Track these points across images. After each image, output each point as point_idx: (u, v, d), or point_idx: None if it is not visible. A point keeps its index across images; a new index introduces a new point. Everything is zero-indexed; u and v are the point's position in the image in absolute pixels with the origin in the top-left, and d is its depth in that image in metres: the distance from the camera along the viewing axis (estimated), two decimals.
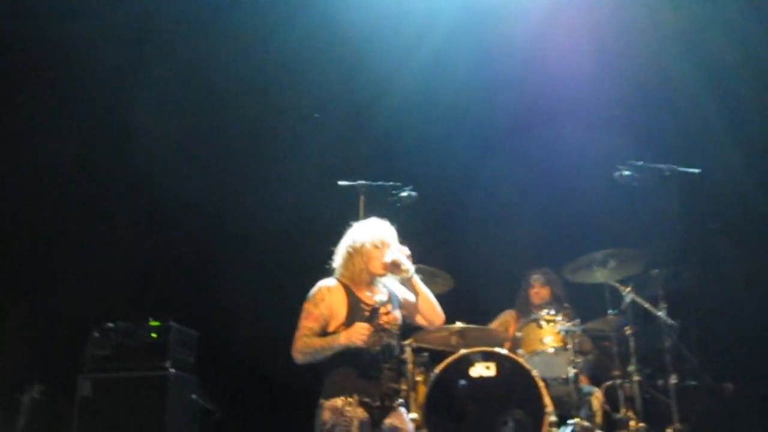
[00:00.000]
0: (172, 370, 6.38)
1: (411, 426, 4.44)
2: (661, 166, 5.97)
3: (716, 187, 6.79)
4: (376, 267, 4.44)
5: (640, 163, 5.97)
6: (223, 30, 7.14)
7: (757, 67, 6.79)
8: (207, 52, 7.24)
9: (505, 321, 6.82)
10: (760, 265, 6.89)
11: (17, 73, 7.15)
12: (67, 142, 7.33)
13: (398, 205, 5.98)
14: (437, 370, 5.82)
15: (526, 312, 6.60)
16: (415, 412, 5.75)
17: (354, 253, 4.46)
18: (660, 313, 6.06)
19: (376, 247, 4.46)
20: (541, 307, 6.59)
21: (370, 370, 4.32)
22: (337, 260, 4.53)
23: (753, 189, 6.96)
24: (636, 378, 5.94)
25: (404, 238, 4.57)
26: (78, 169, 7.43)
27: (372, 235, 4.49)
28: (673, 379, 5.95)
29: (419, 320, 4.66)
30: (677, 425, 5.82)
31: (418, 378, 6.00)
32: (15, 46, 7.02)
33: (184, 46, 7.17)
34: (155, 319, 6.59)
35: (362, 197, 5.83)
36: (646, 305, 6.06)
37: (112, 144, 7.46)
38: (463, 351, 5.89)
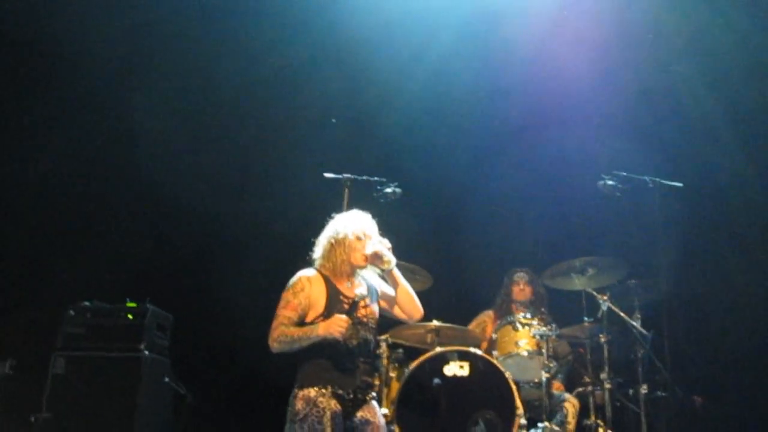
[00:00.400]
0: (147, 353, 6.36)
1: (382, 420, 4.46)
2: (645, 177, 6.02)
3: (702, 197, 6.87)
4: (357, 258, 4.46)
5: (624, 173, 6.02)
6: (227, 35, 7.18)
7: (762, 72, 6.85)
8: (210, 56, 7.27)
9: (482, 322, 6.85)
10: (737, 281, 6.97)
11: (21, 76, 7.19)
12: (53, 128, 7.34)
13: (382, 200, 6.01)
14: (411, 366, 5.85)
15: (505, 312, 6.63)
16: (387, 407, 5.77)
17: (336, 245, 4.47)
18: (635, 323, 6.12)
19: (358, 238, 4.48)
20: (522, 305, 6.63)
21: (345, 363, 4.33)
22: (318, 251, 4.54)
23: (737, 202, 7.04)
24: (607, 386, 6.00)
25: (386, 233, 4.60)
26: (59, 151, 7.40)
27: (354, 226, 4.51)
28: (643, 389, 6.02)
29: (398, 313, 4.68)
30: None
31: (392, 374, 6.03)
32: (18, 51, 7.04)
33: (188, 51, 7.21)
34: (132, 301, 6.56)
35: (347, 190, 5.86)
36: (622, 314, 6.12)
37: (98, 130, 7.44)
38: (438, 349, 5.93)
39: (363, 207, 4.71)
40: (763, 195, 7.01)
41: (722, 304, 6.97)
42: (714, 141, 7.12)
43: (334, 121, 7.29)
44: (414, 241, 6.25)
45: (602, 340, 6.06)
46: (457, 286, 7.27)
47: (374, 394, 4.48)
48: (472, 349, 5.95)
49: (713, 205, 7.13)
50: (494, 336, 6.33)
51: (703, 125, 7.13)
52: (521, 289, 6.79)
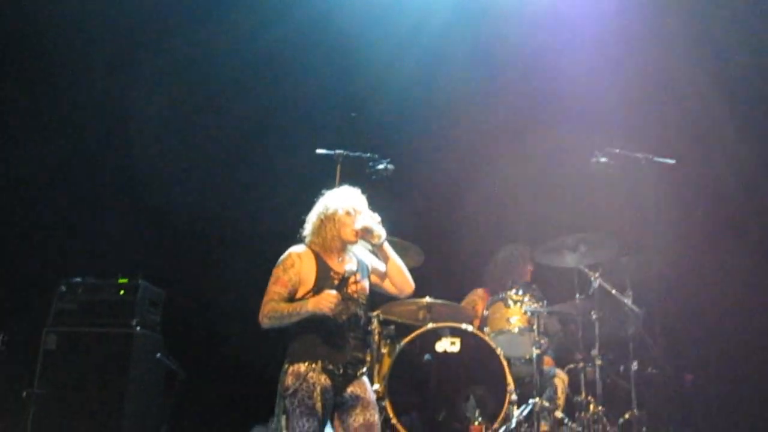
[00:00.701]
0: (138, 329, 6.35)
1: (373, 395, 4.46)
2: (637, 154, 6.01)
3: (695, 174, 6.86)
4: (347, 234, 4.45)
5: (617, 150, 6.00)
6: (219, 15, 7.22)
7: (759, 50, 6.82)
8: (205, 35, 7.26)
9: (472, 300, 6.84)
10: (729, 259, 6.97)
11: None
12: (46, 108, 7.33)
13: (374, 177, 5.99)
14: (403, 342, 5.86)
15: (503, 288, 6.61)
16: (379, 383, 5.79)
17: (326, 220, 4.46)
18: (626, 301, 6.12)
19: (348, 213, 4.47)
20: (509, 284, 6.62)
21: (335, 338, 4.33)
22: (309, 227, 4.53)
23: (730, 181, 7.04)
24: (598, 362, 6.01)
25: (378, 210, 4.59)
26: (53, 131, 7.38)
27: (344, 202, 4.50)
28: (634, 366, 6.03)
29: (389, 288, 4.68)
30: (635, 411, 5.93)
31: (384, 350, 6.03)
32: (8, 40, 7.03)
33: (181, 32, 7.22)
34: (124, 277, 6.55)
35: (339, 167, 5.84)
36: (613, 291, 6.13)
37: (89, 109, 7.41)
38: (430, 325, 5.94)
39: (355, 184, 4.69)
40: (757, 173, 7.01)
41: (714, 281, 6.98)
42: (708, 118, 7.10)
43: (354, 115, 7.25)
44: (406, 218, 6.25)
45: (593, 317, 6.05)
46: (449, 263, 7.27)
47: (365, 369, 4.48)
48: (464, 326, 5.96)
49: (707, 183, 7.12)
50: (486, 313, 6.34)
51: (697, 102, 7.10)
52: (530, 268, 6.78)
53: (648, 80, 7.11)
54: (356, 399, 4.36)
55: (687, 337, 6.82)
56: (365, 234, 4.45)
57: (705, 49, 6.92)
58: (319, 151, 5.91)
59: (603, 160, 6.01)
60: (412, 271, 4.72)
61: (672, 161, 6.09)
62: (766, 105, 6.91)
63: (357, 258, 4.55)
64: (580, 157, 6.25)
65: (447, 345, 5.85)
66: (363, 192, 4.61)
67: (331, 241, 4.44)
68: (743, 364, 6.80)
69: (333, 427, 4.42)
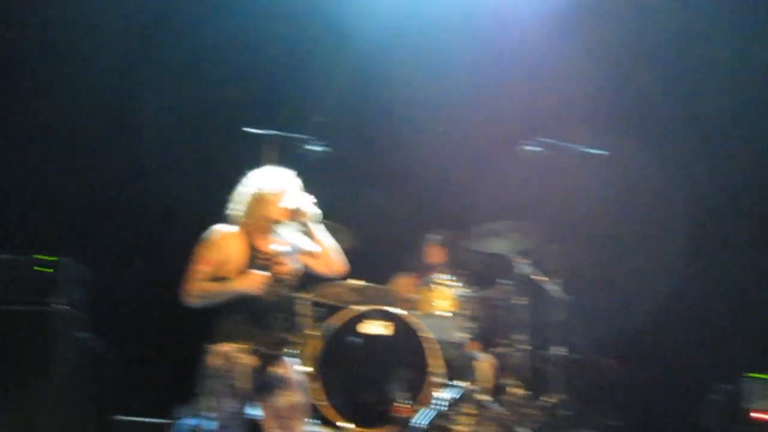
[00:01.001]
0: (61, 306, 6.19)
1: (299, 376, 4.47)
2: (567, 144, 6.08)
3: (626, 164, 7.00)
4: (276, 213, 4.42)
5: (546, 140, 6.06)
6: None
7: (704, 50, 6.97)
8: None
9: (401, 283, 6.88)
10: (657, 248, 7.14)
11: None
12: None
13: (309, 158, 5.92)
14: (333, 325, 5.88)
15: (424, 274, 6.69)
16: (308, 365, 5.78)
17: (253, 200, 4.43)
18: (554, 287, 6.24)
19: (276, 193, 4.44)
20: (436, 269, 6.69)
21: (261, 319, 4.32)
22: (235, 207, 4.48)
23: (662, 171, 7.20)
24: (525, 347, 6.12)
25: (310, 191, 4.56)
26: None
27: (272, 181, 4.47)
28: (559, 352, 6.16)
29: (320, 268, 4.68)
30: (558, 395, 6.05)
31: (314, 332, 6.02)
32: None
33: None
34: (47, 253, 6.36)
35: (270, 147, 5.75)
36: (541, 278, 6.23)
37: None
38: (358, 308, 5.97)
39: (288, 165, 4.65)
40: (691, 165, 7.17)
41: (640, 270, 7.14)
42: (645, 111, 7.24)
43: (320, 119, 7.16)
44: (340, 201, 6.22)
45: (521, 302, 6.15)
46: (380, 247, 7.26)
47: (292, 350, 4.47)
48: (393, 309, 6.00)
49: (639, 174, 7.25)
50: (415, 296, 6.39)
51: (633, 95, 7.24)
52: (431, 252, 6.86)
53: (581, 69, 7.18)
54: (281, 380, 4.35)
55: (612, 324, 6.97)
56: (295, 214, 4.43)
57: (641, 37, 7.03)
58: (248, 130, 5.76)
59: (532, 148, 6.05)
60: (344, 253, 4.72)
61: (604, 152, 6.18)
62: (701, 99, 7.05)
63: (286, 238, 4.52)
64: (512, 146, 6.28)
65: (376, 327, 5.89)
66: (299, 174, 4.58)
67: (259, 220, 4.40)
68: (667, 349, 7.00)
69: (259, 407, 4.40)
